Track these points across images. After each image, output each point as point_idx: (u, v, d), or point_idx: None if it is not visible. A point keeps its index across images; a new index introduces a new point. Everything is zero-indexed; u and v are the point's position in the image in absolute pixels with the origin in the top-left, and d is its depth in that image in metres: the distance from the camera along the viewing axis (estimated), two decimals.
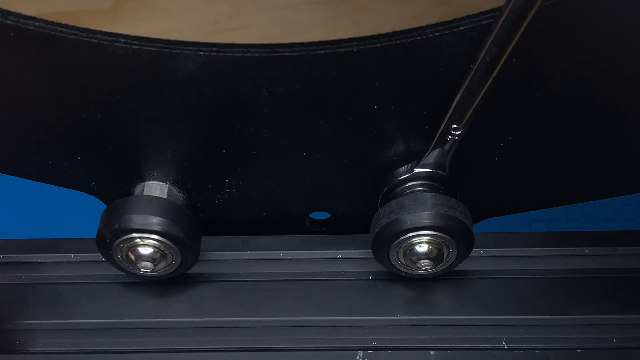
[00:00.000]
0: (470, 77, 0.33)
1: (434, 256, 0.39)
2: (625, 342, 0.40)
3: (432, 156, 0.38)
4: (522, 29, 0.30)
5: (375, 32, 0.32)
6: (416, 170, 0.39)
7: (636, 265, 0.42)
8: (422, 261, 0.39)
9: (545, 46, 0.33)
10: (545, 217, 0.73)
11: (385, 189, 0.40)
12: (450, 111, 0.35)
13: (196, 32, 0.74)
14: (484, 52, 0.32)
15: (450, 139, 0.37)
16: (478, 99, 0.34)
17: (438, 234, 0.38)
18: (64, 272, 0.43)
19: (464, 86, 0.34)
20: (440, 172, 0.39)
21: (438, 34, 0.31)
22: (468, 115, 0.35)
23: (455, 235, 0.38)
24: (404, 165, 0.39)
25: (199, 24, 0.74)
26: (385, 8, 0.73)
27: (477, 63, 0.32)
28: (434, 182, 0.39)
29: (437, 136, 0.37)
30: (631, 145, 0.39)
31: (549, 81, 0.35)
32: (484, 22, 0.31)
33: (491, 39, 0.31)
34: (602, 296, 0.41)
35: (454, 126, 0.36)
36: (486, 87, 0.33)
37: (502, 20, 0.30)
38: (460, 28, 0.31)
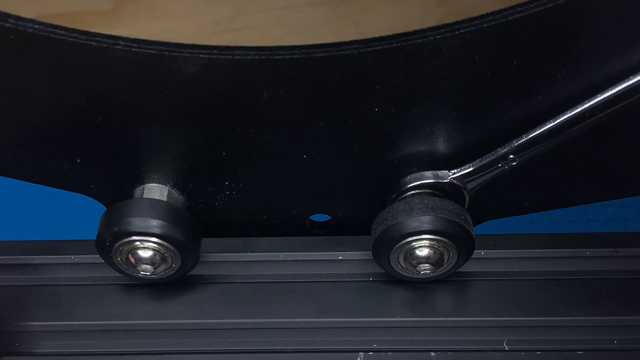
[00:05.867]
0: (558, 120, 0.34)
1: (434, 260, 0.39)
2: (626, 343, 0.40)
3: (466, 171, 0.38)
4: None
5: (376, 33, 0.32)
6: (447, 179, 0.39)
7: (637, 267, 0.42)
8: (422, 265, 0.39)
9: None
10: (545, 217, 0.73)
11: (396, 193, 0.40)
12: (520, 142, 0.36)
13: (197, 32, 0.74)
14: (586, 106, 0.33)
15: (500, 166, 0.37)
16: (555, 142, 0.35)
17: (438, 238, 0.38)
18: (64, 273, 0.43)
19: (549, 126, 0.35)
20: (462, 186, 0.39)
21: (439, 36, 0.31)
22: (533, 153, 0.35)
23: (456, 240, 0.38)
24: (414, 172, 0.39)
25: (199, 24, 0.74)
26: (385, 9, 0.73)
27: (574, 112, 0.33)
28: (454, 194, 0.39)
29: (488, 158, 0.37)
30: (632, 148, 0.39)
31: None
32: (486, 25, 0.31)
33: (601, 99, 0.32)
34: (603, 298, 0.41)
35: (512, 156, 0.36)
36: (568, 133, 0.34)
37: (618, 88, 0.32)
38: (462, 31, 0.31)
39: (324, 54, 0.32)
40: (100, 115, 0.35)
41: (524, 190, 0.42)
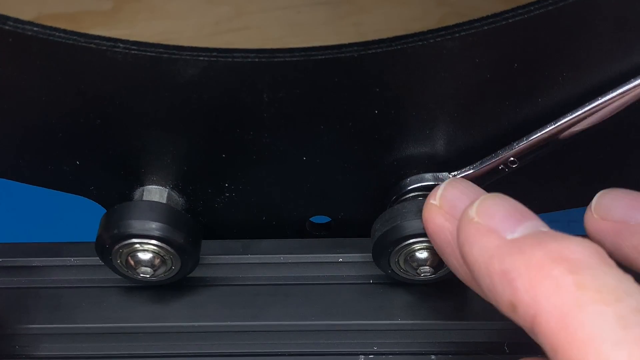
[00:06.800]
0: (559, 123, 0.34)
1: (435, 263, 0.39)
2: None
3: (466, 173, 0.38)
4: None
5: (376, 33, 0.32)
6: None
7: None
8: (422, 268, 0.39)
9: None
10: (546, 218, 0.73)
11: (396, 195, 0.40)
12: (521, 144, 0.35)
13: (196, 33, 0.74)
14: (587, 108, 0.33)
15: (501, 169, 0.37)
16: (556, 144, 0.35)
17: None
18: (64, 276, 0.43)
19: (549, 128, 0.34)
20: None
21: (440, 39, 0.31)
22: (534, 155, 0.35)
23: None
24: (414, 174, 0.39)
25: (199, 25, 0.74)
26: (385, 9, 0.73)
27: (575, 115, 0.33)
28: None
29: (490, 161, 0.37)
30: (634, 151, 0.39)
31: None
32: (486, 28, 0.31)
33: (603, 102, 0.32)
34: None
35: (512, 159, 0.36)
36: (569, 135, 0.34)
37: (620, 90, 0.32)
38: (462, 33, 0.31)
39: (323, 57, 0.32)
40: (99, 118, 0.35)
41: (524, 191, 0.42)
